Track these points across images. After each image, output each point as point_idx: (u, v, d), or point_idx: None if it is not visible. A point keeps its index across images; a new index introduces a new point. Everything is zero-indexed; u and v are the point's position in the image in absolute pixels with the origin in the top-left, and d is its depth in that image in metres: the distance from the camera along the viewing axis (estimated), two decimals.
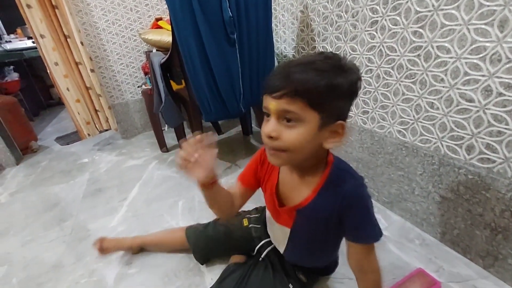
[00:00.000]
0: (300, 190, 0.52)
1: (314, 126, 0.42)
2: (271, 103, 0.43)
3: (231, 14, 0.95)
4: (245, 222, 0.82)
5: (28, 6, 1.50)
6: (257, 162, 0.62)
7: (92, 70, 1.72)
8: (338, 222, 0.51)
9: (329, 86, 0.40)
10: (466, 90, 0.68)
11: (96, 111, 1.85)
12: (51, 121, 2.83)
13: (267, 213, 0.66)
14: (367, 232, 0.49)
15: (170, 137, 1.88)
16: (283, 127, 0.43)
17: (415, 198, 0.91)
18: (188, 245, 0.83)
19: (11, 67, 2.60)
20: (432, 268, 0.78)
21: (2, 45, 2.71)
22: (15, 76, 2.55)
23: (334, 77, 0.40)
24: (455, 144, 0.74)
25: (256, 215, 0.84)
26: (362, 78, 0.99)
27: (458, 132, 0.73)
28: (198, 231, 0.84)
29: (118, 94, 2.00)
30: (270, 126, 0.43)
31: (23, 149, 1.96)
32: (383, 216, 1.00)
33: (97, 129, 1.91)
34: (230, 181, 1.32)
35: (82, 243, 1.02)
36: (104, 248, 0.86)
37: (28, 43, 2.75)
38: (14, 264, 0.96)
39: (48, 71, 1.67)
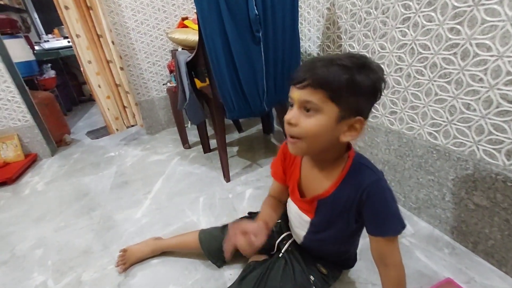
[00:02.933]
0: (322, 182, 0.55)
1: (332, 118, 0.45)
2: (294, 93, 0.46)
3: (257, 12, 0.95)
4: None
5: (66, 7, 1.60)
6: (280, 157, 0.66)
7: (121, 68, 1.81)
8: (357, 215, 0.53)
9: (350, 81, 0.42)
10: (508, 91, 0.63)
11: (124, 107, 1.94)
12: (82, 116, 3.00)
13: (290, 201, 0.68)
14: (386, 226, 0.50)
15: (192, 134, 1.93)
16: (302, 116, 0.46)
17: (445, 204, 0.86)
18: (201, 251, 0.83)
19: (49, 64, 2.79)
20: (463, 279, 0.73)
21: (41, 44, 2.91)
22: (52, 73, 2.73)
23: (356, 73, 0.42)
24: (493, 149, 0.69)
25: None
26: (391, 76, 0.95)
27: (497, 135, 0.68)
28: (210, 236, 0.84)
29: (144, 91, 2.07)
30: (291, 113, 0.47)
31: (58, 141, 2.10)
32: (410, 222, 0.95)
33: (125, 124, 1.99)
34: (249, 179, 1.33)
35: (109, 232, 1.07)
36: (127, 261, 0.87)
37: (64, 43, 2.94)
38: (49, 247, 1.03)
39: (82, 69, 1.77)
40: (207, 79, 1.26)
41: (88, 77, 1.78)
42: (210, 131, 1.83)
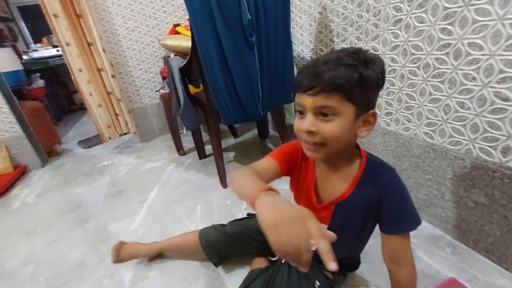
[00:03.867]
0: (338, 185, 0.53)
1: (351, 117, 0.44)
2: (307, 100, 0.44)
3: (250, 17, 0.95)
4: None
5: (55, 15, 1.57)
6: (292, 154, 0.60)
7: (113, 76, 1.78)
8: (375, 215, 0.52)
9: (361, 78, 0.42)
10: (501, 88, 0.64)
11: (116, 115, 1.90)
12: (73, 125, 2.94)
13: None
14: (404, 222, 0.50)
15: (186, 140, 1.91)
16: (320, 122, 0.44)
17: (445, 203, 0.86)
18: (200, 246, 0.82)
19: (37, 74, 2.73)
20: (465, 278, 0.73)
21: (29, 54, 2.86)
22: (40, 82, 2.68)
23: (364, 69, 0.42)
24: (489, 146, 0.70)
25: None
26: (385, 78, 0.96)
27: (492, 133, 0.69)
28: (210, 228, 0.84)
29: (137, 99, 2.05)
30: (308, 122, 0.45)
31: (48, 152, 2.04)
32: None
33: (117, 132, 1.96)
34: None
35: (104, 244, 1.04)
36: (121, 255, 0.88)
37: (53, 52, 2.90)
38: (41, 262, 0.99)
39: (72, 77, 1.74)
40: (201, 85, 1.25)
41: (79, 86, 1.75)
42: (205, 137, 1.82)
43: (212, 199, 1.22)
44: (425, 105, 0.85)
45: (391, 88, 0.95)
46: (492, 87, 0.66)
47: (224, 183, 1.30)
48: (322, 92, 0.42)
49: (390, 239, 0.52)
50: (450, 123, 0.79)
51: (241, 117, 1.12)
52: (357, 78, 0.41)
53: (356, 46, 1.04)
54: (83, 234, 1.12)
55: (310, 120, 0.45)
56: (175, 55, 1.51)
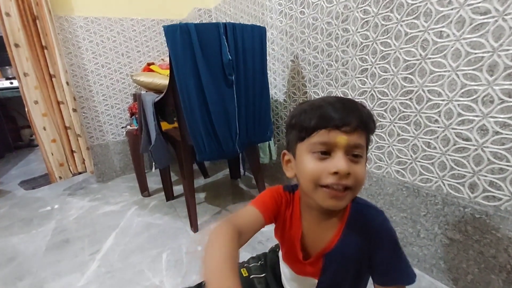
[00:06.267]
0: (325, 234, 0.48)
1: (366, 160, 0.44)
2: (341, 137, 0.39)
3: (230, 57, 0.98)
4: (244, 272, 0.71)
5: (16, 45, 1.48)
6: (276, 202, 0.53)
7: (74, 110, 1.66)
8: (369, 262, 0.46)
9: (375, 123, 0.44)
10: (461, 129, 0.71)
11: (72, 152, 1.72)
12: (17, 163, 2.58)
13: (284, 267, 0.58)
14: (402, 272, 0.44)
15: (152, 180, 1.77)
16: (350, 163, 0.40)
17: (421, 241, 0.87)
18: None
19: None
20: None
21: None
22: None
23: (370, 113, 0.43)
24: (457, 183, 0.75)
25: (256, 264, 0.74)
26: None
27: (458, 170, 0.74)
28: None
29: (99, 135, 1.90)
30: (342, 162, 0.39)
31: None
32: None
33: (71, 171, 1.75)
34: None
35: None
36: None
37: (5, 84, 2.66)
38: None
39: (26, 110, 1.57)
40: (175, 121, 1.21)
41: (32, 119, 1.58)
42: (173, 176, 1.71)
43: (181, 246, 1.09)
44: (395, 145, 0.90)
45: None
46: (453, 128, 0.73)
47: (194, 227, 1.18)
48: (357, 130, 0.40)
49: None
50: (419, 161, 0.84)
51: (217, 154, 1.08)
52: (374, 122, 0.43)
53: (327, 92, 1.12)
54: None
55: (344, 160, 0.39)
56: (146, 91, 1.48)
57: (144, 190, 1.60)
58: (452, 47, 0.69)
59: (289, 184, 0.56)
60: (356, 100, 0.45)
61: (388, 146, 0.93)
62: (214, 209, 1.39)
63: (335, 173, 0.39)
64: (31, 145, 3.19)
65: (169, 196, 1.52)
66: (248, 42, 1.05)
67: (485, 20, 0.62)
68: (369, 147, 0.47)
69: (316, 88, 1.19)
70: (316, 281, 0.51)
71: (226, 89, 1.02)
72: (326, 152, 0.41)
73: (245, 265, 0.75)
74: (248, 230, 0.47)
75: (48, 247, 1.16)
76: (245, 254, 0.99)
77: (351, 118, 0.39)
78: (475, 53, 0.65)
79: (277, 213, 0.54)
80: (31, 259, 1.08)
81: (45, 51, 1.55)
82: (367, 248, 0.45)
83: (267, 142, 1.40)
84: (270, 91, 1.50)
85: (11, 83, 2.57)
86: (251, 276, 0.70)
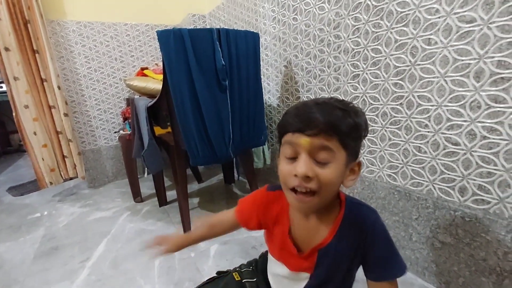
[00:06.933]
0: (319, 230, 0.49)
1: (342, 164, 0.42)
2: (303, 140, 0.40)
3: (223, 63, 0.99)
4: (236, 276, 0.71)
5: (6, 49, 1.46)
6: (258, 206, 0.57)
7: (66, 115, 1.64)
8: (361, 259, 0.49)
9: (355, 124, 0.41)
10: (451, 134, 0.73)
11: (63, 157, 1.70)
12: (5, 169, 2.52)
13: (277, 267, 0.58)
14: (395, 267, 0.47)
15: (145, 186, 1.75)
16: (315, 166, 0.40)
17: (413, 245, 0.88)
18: None
19: None
20: None
21: None
22: None
23: (355, 116, 0.42)
24: (447, 186, 0.76)
25: (248, 269, 0.74)
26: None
27: (448, 174, 0.75)
28: None
29: (91, 140, 1.88)
30: (304, 165, 0.40)
31: None
32: None
33: (62, 177, 1.72)
34: None
35: None
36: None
37: None
38: None
39: (14, 114, 1.54)
40: (168, 126, 1.20)
41: (22, 124, 1.55)
42: (166, 182, 1.69)
43: (174, 253, 1.07)
44: (386, 149, 0.92)
45: None
46: (442, 133, 0.74)
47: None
48: (322, 133, 0.39)
49: (378, 286, 0.48)
50: (410, 165, 0.85)
51: (211, 158, 1.07)
52: (352, 124, 0.40)
53: (320, 97, 1.13)
54: None
55: (306, 163, 0.40)
56: (140, 96, 1.47)
57: (137, 195, 1.58)
58: (440, 54, 0.71)
59: (276, 183, 0.57)
60: (348, 103, 0.44)
61: (380, 151, 0.94)
62: (208, 214, 1.38)
63: (297, 175, 0.40)
64: (20, 150, 3.12)
65: (162, 201, 1.50)
66: (241, 47, 1.06)
67: (471, 28, 0.64)
68: (360, 151, 0.46)
69: (309, 93, 1.20)
70: (309, 275, 0.51)
71: (220, 94, 1.02)
72: (293, 157, 0.42)
73: (237, 269, 0.74)
74: (221, 228, 0.63)
75: (37, 255, 1.13)
76: (239, 260, 0.99)
77: (316, 121, 0.39)
78: (462, 60, 0.67)
79: (259, 215, 0.56)
80: (18, 267, 1.05)
81: (37, 55, 1.53)
82: (361, 246, 0.47)
83: (261, 147, 1.40)
84: (263, 96, 1.50)
85: (0, 87, 2.53)
86: (243, 280, 0.70)
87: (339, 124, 0.40)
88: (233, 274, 0.71)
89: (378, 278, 0.48)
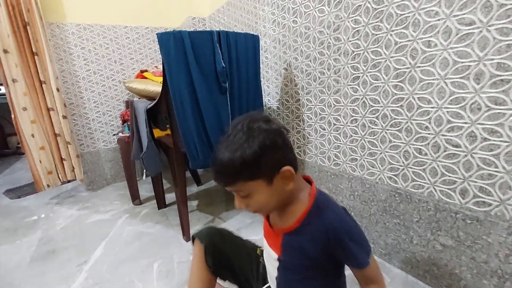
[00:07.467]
0: (287, 219, 0.55)
1: (264, 188, 0.48)
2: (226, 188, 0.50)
3: (224, 65, 0.99)
4: (258, 251, 0.75)
5: (5, 51, 1.46)
6: None
7: (64, 117, 1.63)
8: (328, 255, 0.52)
9: (244, 163, 0.45)
10: (451, 136, 0.73)
11: (61, 159, 1.68)
12: (2, 171, 2.51)
13: (265, 245, 0.63)
14: (362, 258, 0.51)
15: (143, 188, 1.74)
16: (245, 199, 0.50)
17: (414, 247, 0.87)
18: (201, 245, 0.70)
19: None
20: None
21: None
22: None
23: (244, 151, 0.45)
24: (448, 189, 0.76)
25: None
26: (348, 127, 1.03)
27: (449, 176, 0.75)
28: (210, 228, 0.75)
29: (89, 142, 1.87)
30: (236, 203, 0.52)
31: None
32: (383, 270, 0.93)
33: (60, 179, 1.71)
34: None
35: None
36: None
37: None
38: None
39: (13, 116, 1.54)
40: (168, 128, 1.20)
41: (20, 126, 1.54)
42: (165, 184, 1.68)
43: (173, 256, 1.06)
44: (387, 152, 0.91)
45: (354, 136, 1.02)
46: (443, 135, 0.74)
47: (187, 235, 1.16)
48: (226, 185, 0.49)
49: (356, 271, 0.53)
50: (411, 168, 0.85)
51: (210, 161, 1.07)
52: (240, 165, 0.45)
53: (320, 99, 1.13)
54: None
55: (237, 200, 0.52)
56: (139, 98, 1.47)
57: (136, 198, 1.57)
58: (440, 56, 0.71)
59: None
60: (245, 132, 0.47)
61: (381, 153, 0.94)
62: (207, 217, 1.37)
63: None
64: (17, 153, 3.10)
65: (161, 204, 1.49)
66: (241, 50, 1.06)
67: (470, 31, 0.65)
68: (281, 160, 0.49)
69: (309, 95, 1.20)
70: (277, 257, 0.57)
71: (220, 96, 1.02)
72: None
73: (261, 247, 0.76)
74: None
75: (33, 259, 1.12)
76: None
77: (219, 181, 0.49)
78: (462, 62, 0.67)
79: None
80: (14, 271, 1.04)
81: (36, 57, 1.52)
82: (326, 244, 0.50)
83: None
84: (263, 98, 1.51)
85: None
86: (260, 259, 0.74)
87: (231, 177, 0.47)
88: (258, 248, 0.76)
89: (354, 267, 0.52)
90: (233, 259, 0.72)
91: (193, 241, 0.72)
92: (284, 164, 0.48)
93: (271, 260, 0.60)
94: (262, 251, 0.73)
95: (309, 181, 0.57)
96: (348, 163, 1.06)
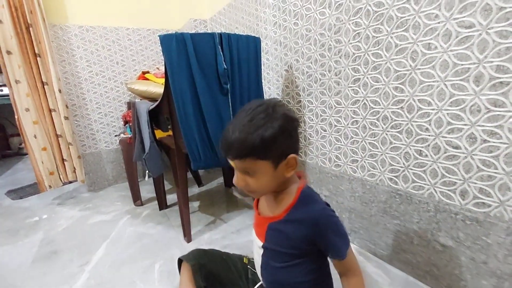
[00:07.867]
0: (274, 208, 0.60)
1: (269, 170, 0.51)
2: (231, 162, 0.53)
3: (225, 66, 1.00)
4: (245, 260, 0.78)
5: (8, 52, 1.47)
6: None
7: (66, 118, 1.64)
8: (311, 246, 0.55)
9: (263, 140, 0.48)
10: (451, 138, 0.73)
11: (63, 160, 1.69)
12: (4, 172, 2.51)
13: (254, 238, 0.65)
14: (342, 249, 0.54)
15: (145, 189, 1.75)
16: (247, 176, 0.53)
17: (414, 248, 0.88)
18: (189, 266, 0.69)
19: None
20: None
21: None
22: None
23: (265, 130, 0.48)
24: (449, 190, 0.76)
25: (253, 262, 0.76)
26: (349, 128, 1.04)
27: (449, 177, 0.76)
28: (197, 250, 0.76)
29: (91, 143, 1.88)
30: (235, 179, 0.55)
31: None
32: (384, 271, 0.93)
33: (61, 180, 1.71)
34: (214, 237, 1.20)
35: None
36: None
37: None
38: None
39: (16, 117, 1.55)
40: (169, 129, 1.21)
41: (23, 126, 1.55)
42: (166, 185, 1.69)
43: (174, 256, 1.07)
44: (387, 153, 0.92)
45: (355, 138, 1.03)
46: (443, 136, 0.75)
47: (188, 237, 1.16)
48: (237, 158, 0.50)
49: (335, 261, 0.57)
50: (411, 169, 0.85)
51: (212, 162, 1.08)
52: (258, 142, 0.48)
53: (321, 101, 1.14)
54: None
55: (238, 177, 0.54)
56: (141, 99, 1.48)
57: (137, 199, 1.58)
58: (440, 59, 0.72)
59: None
60: (258, 113, 0.50)
61: (381, 154, 0.94)
62: (208, 218, 1.37)
63: None
64: (19, 154, 3.11)
65: (163, 205, 1.49)
66: (243, 51, 1.07)
67: (470, 33, 0.65)
68: (292, 146, 0.52)
69: (310, 97, 1.21)
70: (261, 244, 0.60)
71: (221, 97, 1.03)
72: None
73: (248, 255, 0.80)
74: None
75: (35, 259, 1.12)
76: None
77: (229, 153, 0.51)
78: (462, 64, 0.68)
79: None
80: (16, 272, 1.04)
81: (38, 58, 1.54)
82: (309, 235, 0.54)
83: None
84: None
85: (1, 90, 2.53)
86: (248, 266, 0.77)
87: (247, 150, 0.48)
88: (244, 257, 0.79)
89: (333, 257, 0.57)
90: (222, 275, 0.73)
91: (179, 266, 0.72)
92: (291, 151, 0.52)
93: (256, 248, 0.63)
94: (249, 259, 0.77)
95: (299, 176, 0.61)
96: (349, 165, 1.07)
